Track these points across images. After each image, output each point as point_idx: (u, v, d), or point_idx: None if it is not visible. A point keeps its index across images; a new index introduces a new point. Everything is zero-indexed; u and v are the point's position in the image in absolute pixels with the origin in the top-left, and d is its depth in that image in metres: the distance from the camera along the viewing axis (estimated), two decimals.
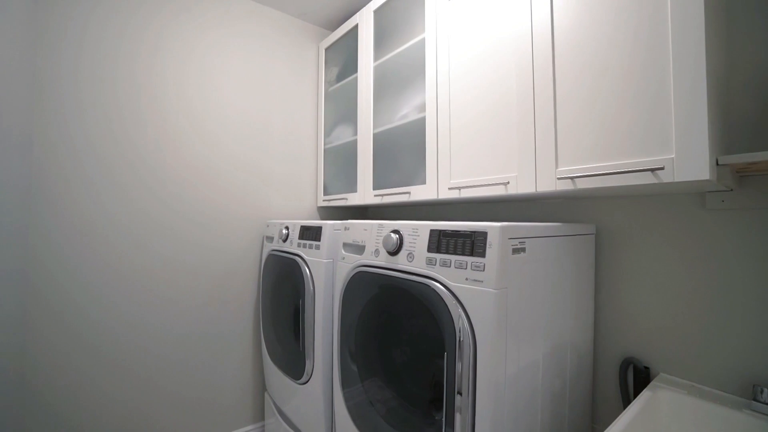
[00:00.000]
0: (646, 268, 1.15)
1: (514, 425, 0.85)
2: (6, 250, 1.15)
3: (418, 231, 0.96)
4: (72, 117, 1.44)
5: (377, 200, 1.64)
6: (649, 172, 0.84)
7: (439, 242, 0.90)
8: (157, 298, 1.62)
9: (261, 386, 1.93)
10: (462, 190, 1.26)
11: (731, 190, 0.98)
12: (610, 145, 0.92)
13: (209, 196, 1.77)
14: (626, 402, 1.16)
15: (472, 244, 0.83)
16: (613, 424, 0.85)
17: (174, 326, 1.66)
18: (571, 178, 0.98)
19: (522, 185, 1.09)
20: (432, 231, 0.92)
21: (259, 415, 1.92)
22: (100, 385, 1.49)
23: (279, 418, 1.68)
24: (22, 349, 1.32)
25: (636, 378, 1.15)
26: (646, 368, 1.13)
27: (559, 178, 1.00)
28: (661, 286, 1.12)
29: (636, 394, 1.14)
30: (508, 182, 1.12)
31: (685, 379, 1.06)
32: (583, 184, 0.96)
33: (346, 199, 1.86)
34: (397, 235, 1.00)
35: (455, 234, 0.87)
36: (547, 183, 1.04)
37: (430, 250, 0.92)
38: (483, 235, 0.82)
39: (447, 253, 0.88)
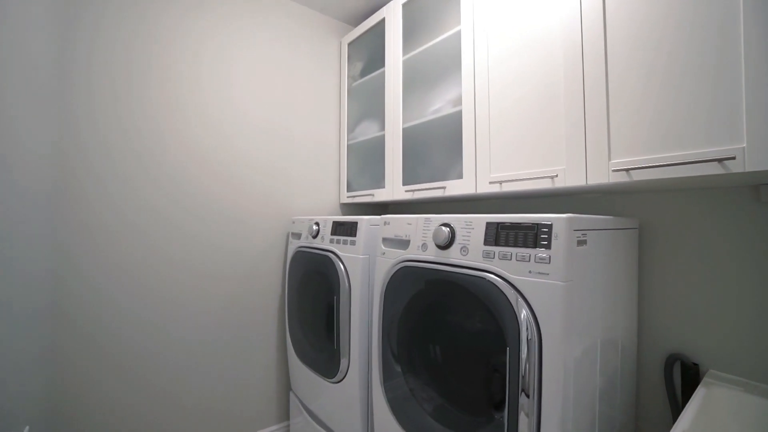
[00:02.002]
0: (692, 262, 1.13)
1: (577, 424, 0.83)
2: (34, 281, 1.11)
3: (472, 224, 0.93)
4: (83, 121, 1.38)
5: (408, 196, 1.61)
6: (716, 163, 0.82)
7: (497, 235, 0.87)
8: (179, 306, 1.58)
9: (285, 386, 1.90)
10: (503, 184, 1.24)
11: None
12: (670, 134, 0.90)
13: (228, 195, 1.72)
14: (672, 399, 1.14)
15: (535, 236, 0.81)
16: (676, 423, 0.83)
17: (197, 333, 1.62)
18: (627, 170, 0.95)
19: (571, 178, 1.07)
20: (489, 223, 0.90)
21: (284, 415, 1.90)
22: (119, 398, 1.44)
23: (307, 416, 1.65)
24: (54, 377, 1.30)
25: (684, 375, 1.12)
26: (695, 365, 1.11)
27: (613, 170, 0.98)
28: (710, 280, 1.10)
29: (684, 391, 1.12)
30: (556, 175, 1.09)
31: (737, 375, 1.04)
32: (640, 176, 0.94)
33: (373, 195, 1.84)
34: (448, 229, 0.98)
35: (515, 226, 0.85)
36: (599, 175, 1.01)
37: (487, 243, 0.89)
38: (548, 226, 0.79)
39: (507, 245, 0.85)
